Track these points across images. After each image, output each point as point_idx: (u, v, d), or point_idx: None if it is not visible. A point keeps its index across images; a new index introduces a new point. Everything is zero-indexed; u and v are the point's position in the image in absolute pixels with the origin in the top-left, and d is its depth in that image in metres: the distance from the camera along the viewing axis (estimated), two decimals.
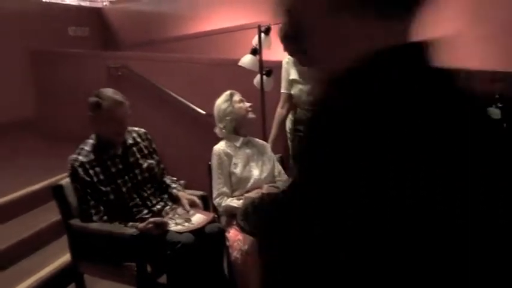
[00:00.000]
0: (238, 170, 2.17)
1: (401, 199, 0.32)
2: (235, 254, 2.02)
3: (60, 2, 6.52)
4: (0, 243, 2.40)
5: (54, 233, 2.54)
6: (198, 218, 2.02)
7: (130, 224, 1.89)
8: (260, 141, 2.39)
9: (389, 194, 0.32)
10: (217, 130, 2.30)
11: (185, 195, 2.15)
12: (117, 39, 6.23)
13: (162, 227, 1.88)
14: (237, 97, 2.27)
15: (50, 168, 3.02)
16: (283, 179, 2.29)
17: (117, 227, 1.87)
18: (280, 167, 2.37)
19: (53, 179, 2.68)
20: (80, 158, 1.90)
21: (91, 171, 1.90)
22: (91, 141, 1.98)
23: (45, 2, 6.32)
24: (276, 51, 3.40)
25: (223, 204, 2.12)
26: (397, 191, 0.32)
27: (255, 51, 2.97)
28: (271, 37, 3.04)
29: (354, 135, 0.36)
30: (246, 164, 2.21)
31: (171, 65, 3.78)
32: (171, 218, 2.01)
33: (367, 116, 0.36)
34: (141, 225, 1.86)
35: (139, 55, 3.93)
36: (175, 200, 2.15)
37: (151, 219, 1.89)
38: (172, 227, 1.93)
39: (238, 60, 2.99)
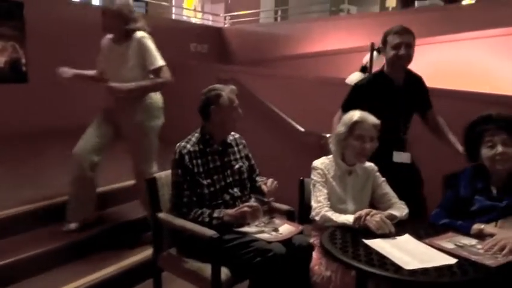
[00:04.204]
0: (332, 200, 1.99)
1: None
2: (315, 278, 1.86)
3: (186, 20, 7.14)
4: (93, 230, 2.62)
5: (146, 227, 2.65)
6: (286, 229, 1.94)
7: (218, 211, 1.93)
8: (367, 166, 2.09)
9: None
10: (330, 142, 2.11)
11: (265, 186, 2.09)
12: (232, 56, 6.56)
13: (256, 214, 1.91)
14: (360, 131, 1.95)
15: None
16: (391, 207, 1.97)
17: (198, 227, 1.87)
18: (390, 193, 2.05)
19: None
20: (188, 146, 2.01)
21: (194, 161, 2.00)
22: (197, 134, 2.09)
23: (175, 20, 6.97)
24: None
25: (322, 212, 1.90)
26: None
27: (365, 69, 2.82)
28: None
29: None
30: (342, 196, 2.01)
31: (275, 81, 3.81)
32: (256, 226, 1.95)
33: None
34: (232, 211, 1.91)
35: (245, 69, 4.06)
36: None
37: (248, 203, 1.94)
38: (260, 234, 1.87)
39: (344, 79, 2.87)
